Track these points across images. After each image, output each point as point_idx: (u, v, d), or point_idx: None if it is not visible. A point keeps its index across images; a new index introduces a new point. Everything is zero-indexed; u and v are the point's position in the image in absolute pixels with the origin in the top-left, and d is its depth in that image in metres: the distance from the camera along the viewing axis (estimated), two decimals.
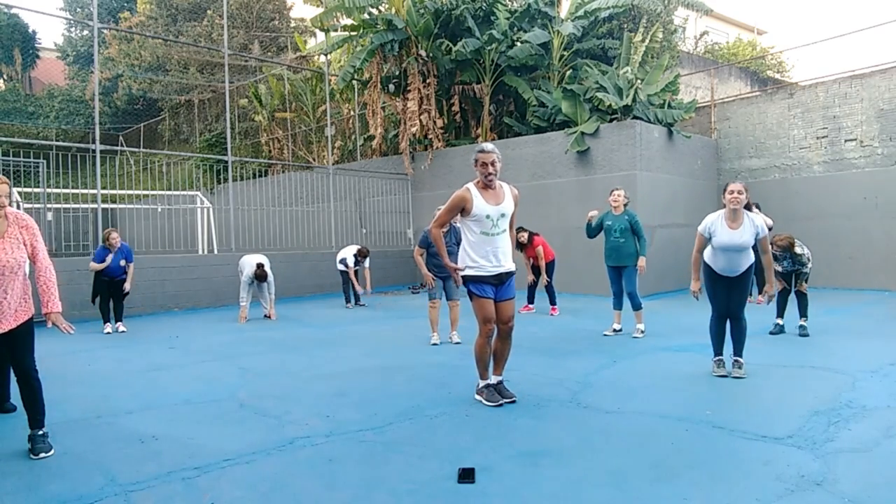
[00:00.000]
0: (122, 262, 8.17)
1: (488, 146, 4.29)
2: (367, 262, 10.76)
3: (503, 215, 4.28)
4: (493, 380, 4.48)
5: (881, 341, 6.33)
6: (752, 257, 5.01)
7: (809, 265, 6.71)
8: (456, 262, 4.48)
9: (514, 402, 4.34)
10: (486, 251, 4.26)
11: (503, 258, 4.32)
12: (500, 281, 4.33)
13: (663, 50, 13.89)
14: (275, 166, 19.18)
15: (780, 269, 6.75)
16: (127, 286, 8.28)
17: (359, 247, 10.79)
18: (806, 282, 6.81)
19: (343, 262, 10.66)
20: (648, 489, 2.91)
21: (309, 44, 20.68)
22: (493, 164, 4.21)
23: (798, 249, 6.53)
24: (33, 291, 3.85)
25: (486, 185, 4.26)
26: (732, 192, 4.86)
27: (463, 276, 4.36)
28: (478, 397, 4.45)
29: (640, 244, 6.91)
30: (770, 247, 5.19)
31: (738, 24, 28.85)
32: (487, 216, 4.21)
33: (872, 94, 11.22)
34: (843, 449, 3.35)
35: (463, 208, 4.24)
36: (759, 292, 9.37)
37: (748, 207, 5.02)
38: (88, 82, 28.30)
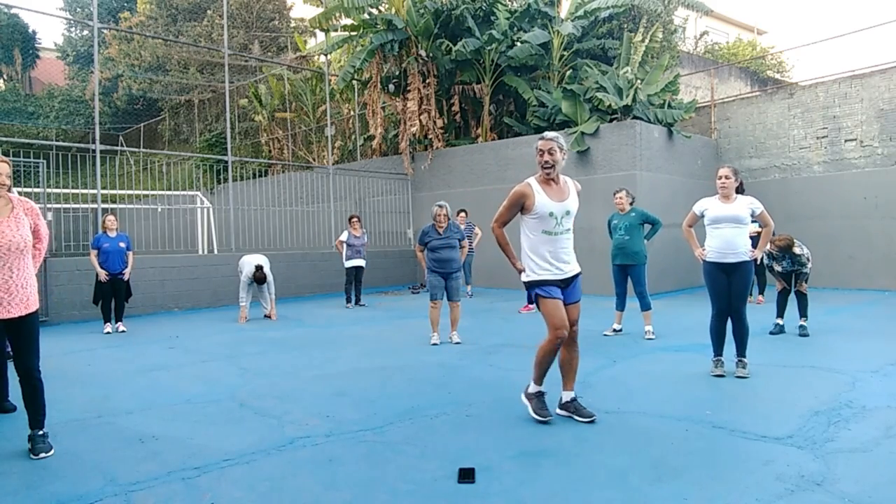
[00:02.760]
0: (122, 245, 8.25)
1: (550, 133, 3.87)
2: (364, 237, 11.00)
3: (568, 213, 3.84)
4: (566, 396, 4.02)
5: (881, 341, 6.32)
6: (748, 242, 5.01)
7: (809, 265, 6.70)
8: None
9: (592, 422, 3.86)
10: (548, 252, 3.81)
11: (568, 259, 3.89)
12: (567, 283, 3.91)
13: (663, 50, 13.89)
14: (275, 166, 19.18)
15: (779, 269, 6.74)
16: (127, 272, 8.29)
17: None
18: (806, 282, 6.80)
19: (347, 244, 10.77)
20: (648, 489, 2.91)
21: (309, 44, 20.68)
22: (550, 151, 3.77)
23: (797, 250, 6.52)
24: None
25: (547, 179, 3.85)
26: (721, 177, 5.08)
27: (526, 283, 3.92)
28: (525, 401, 4.01)
29: (655, 227, 7.03)
30: (769, 225, 5.23)
31: (738, 24, 28.85)
32: (551, 213, 3.77)
33: (872, 94, 11.22)
34: (843, 449, 3.35)
35: (523, 205, 3.81)
36: (760, 292, 9.52)
37: (740, 190, 5.16)
38: (88, 82, 28.33)
